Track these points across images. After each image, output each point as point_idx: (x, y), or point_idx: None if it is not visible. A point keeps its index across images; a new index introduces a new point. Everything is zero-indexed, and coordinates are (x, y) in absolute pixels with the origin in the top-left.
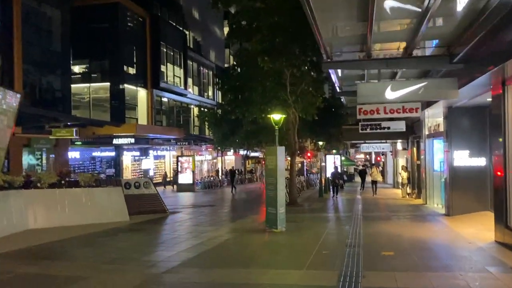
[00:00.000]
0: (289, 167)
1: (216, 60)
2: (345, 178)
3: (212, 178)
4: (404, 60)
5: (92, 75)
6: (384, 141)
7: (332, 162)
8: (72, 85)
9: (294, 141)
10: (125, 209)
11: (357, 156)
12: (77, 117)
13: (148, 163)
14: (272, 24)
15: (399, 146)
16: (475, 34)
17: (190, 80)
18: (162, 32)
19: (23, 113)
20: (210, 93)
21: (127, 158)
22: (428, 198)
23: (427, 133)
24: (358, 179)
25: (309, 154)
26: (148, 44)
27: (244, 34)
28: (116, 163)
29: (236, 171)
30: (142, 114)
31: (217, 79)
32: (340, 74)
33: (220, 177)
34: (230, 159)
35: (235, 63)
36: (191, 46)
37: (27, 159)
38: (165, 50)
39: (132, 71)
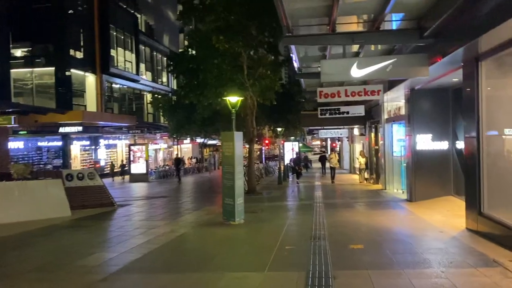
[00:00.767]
0: (247, 154)
1: (170, 45)
2: (309, 165)
3: (167, 168)
4: (372, 35)
5: (36, 59)
6: (342, 126)
7: (291, 149)
8: (13, 70)
9: (252, 127)
10: (66, 203)
11: (313, 143)
12: (16, 103)
13: (99, 153)
14: (227, 0)
15: (356, 131)
16: (448, 6)
17: (142, 66)
18: (112, 14)
19: None
20: (165, 79)
21: (76, 148)
22: (387, 183)
23: (386, 117)
24: (315, 165)
25: (267, 142)
26: (96, 26)
27: (197, 13)
28: (64, 153)
29: (183, 160)
30: (91, 101)
31: (169, 61)
32: (301, 55)
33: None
34: (187, 147)
35: (188, 44)
36: (143, 30)
37: None
38: (115, 33)
39: (79, 55)
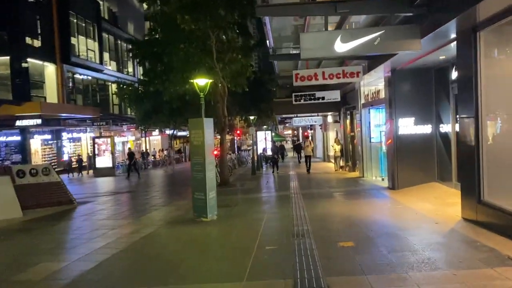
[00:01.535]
0: (219, 145)
1: (135, 33)
2: (286, 153)
3: (135, 161)
4: (357, 3)
5: None
6: (316, 114)
7: (264, 138)
8: None
9: (224, 115)
10: (16, 202)
11: (285, 132)
12: None
13: (63, 147)
14: None
15: (329, 118)
16: None
17: (106, 55)
18: (71, 0)
19: None
20: (130, 69)
21: (36, 142)
22: (365, 170)
23: (363, 102)
24: (290, 153)
25: (238, 132)
26: (55, 13)
27: None
28: (23, 148)
29: (140, 153)
30: (51, 92)
31: (130, 46)
32: (275, 34)
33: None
34: (156, 139)
35: (151, 27)
36: (107, 17)
37: None
38: (75, 20)
39: (37, 43)
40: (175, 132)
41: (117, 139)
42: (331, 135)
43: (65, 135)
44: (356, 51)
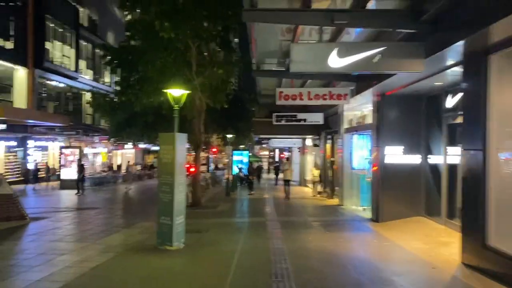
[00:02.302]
0: (194, 162)
1: (115, 43)
2: (262, 175)
3: (103, 174)
4: (357, 14)
5: None
6: (296, 136)
7: (241, 158)
8: None
9: (200, 132)
10: None
11: (261, 153)
12: None
13: (28, 155)
14: None
15: (308, 142)
16: None
17: (83, 63)
18: (49, 4)
19: None
20: (107, 79)
21: None
22: (345, 198)
23: (346, 126)
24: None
25: (214, 150)
26: (31, 15)
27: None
28: None
29: (82, 165)
30: (20, 98)
31: (102, 52)
32: (259, 48)
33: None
34: (130, 152)
35: (128, 34)
36: (86, 25)
37: None
38: (51, 24)
39: (9, 45)
40: (148, 146)
41: (88, 150)
42: (309, 158)
43: (31, 143)
44: (352, 68)
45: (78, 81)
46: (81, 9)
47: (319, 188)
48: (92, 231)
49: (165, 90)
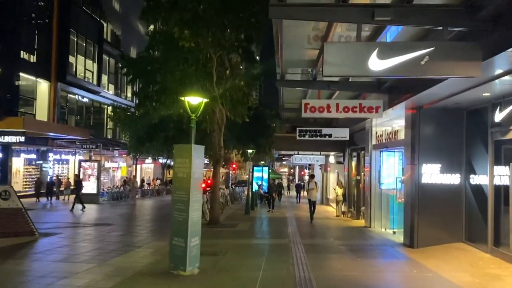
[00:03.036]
0: (211, 178)
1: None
2: (283, 191)
3: (122, 189)
4: (402, 10)
5: None
6: (318, 152)
7: (261, 174)
8: None
9: (220, 146)
10: None
11: (281, 170)
12: None
13: (49, 168)
14: None
15: (331, 159)
16: None
17: (105, 78)
18: (74, 18)
19: None
20: (129, 94)
21: (19, 161)
22: (372, 219)
23: (374, 143)
24: (286, 192)
25: (234, 166)
26: (55, 29)
27: (163, 10)
28: (3, 166)
29: (80, 181)
30: (42, 110)
31: (122, 62)
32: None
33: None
34: (150, 167)
35: (148, 44)
36: (109, 40)
37: None
38: (75, 39)
39: (32, 58)
40: (168, 161)
41: (108, 165)
42: (332, 176)
43: (52, 156)
44: (395, 71)
45: (101, 95)
46: (104, 24)
47: (343, 207)
48: (102, 250)
49: (182, 98)
